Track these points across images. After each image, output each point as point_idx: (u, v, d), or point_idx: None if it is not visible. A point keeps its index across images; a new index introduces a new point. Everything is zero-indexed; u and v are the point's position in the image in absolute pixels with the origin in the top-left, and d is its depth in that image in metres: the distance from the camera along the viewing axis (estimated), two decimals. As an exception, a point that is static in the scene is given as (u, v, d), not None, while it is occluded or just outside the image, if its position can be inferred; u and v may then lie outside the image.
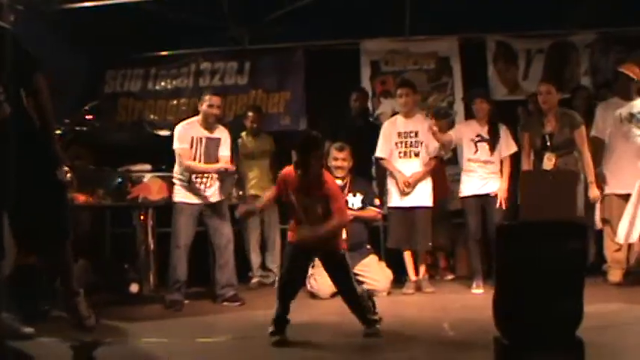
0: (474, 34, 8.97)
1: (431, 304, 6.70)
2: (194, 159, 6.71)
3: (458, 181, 7.60)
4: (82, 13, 8.01)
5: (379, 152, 7.46)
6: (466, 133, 7.36)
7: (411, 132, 7.34)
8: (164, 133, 8.05)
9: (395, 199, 7.34)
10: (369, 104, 8.87)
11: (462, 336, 5.15)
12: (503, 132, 7.29)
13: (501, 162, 7.26)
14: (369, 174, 8.06)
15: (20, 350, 4.63)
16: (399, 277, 7.36)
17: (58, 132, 5.48)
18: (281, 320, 5.04)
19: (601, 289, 6.63)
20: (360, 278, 7.18)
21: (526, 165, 7.10)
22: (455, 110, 8.81)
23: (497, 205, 7.14)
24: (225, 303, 6.75)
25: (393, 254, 7.59)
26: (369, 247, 7.45)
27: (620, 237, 6.59)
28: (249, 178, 7.97)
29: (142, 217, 7.51)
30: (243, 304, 6.72)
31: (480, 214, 7.25)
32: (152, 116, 9.25)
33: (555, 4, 8.32)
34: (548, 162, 6.80)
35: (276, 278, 7.58)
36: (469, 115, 7.77)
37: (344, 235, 5.70)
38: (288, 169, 5.12)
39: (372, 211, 7.41)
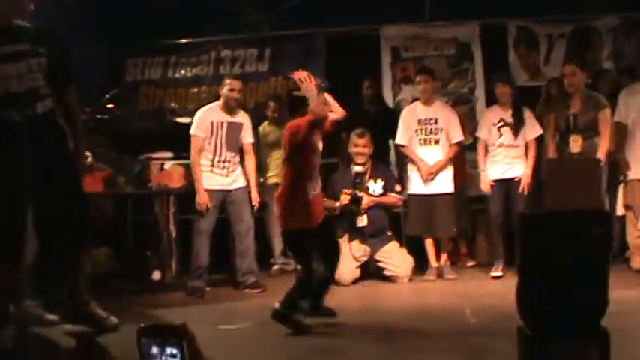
0: (494, 19, 8.90)
1: (452, 291, 6.69)
2: (215, 144, 6.72)
3: (476, 167, 7.56)
4: (102, 0, 8.03)
5: (399, 139, 7.44)
6: (489, 118, 7.33)
7: (431, 119, 7.31)
8: (185, 120, 8.09)
9: (415, 186, 7.33)
10: (390, 91, 8.85)
11: (484, 323, 5.15)
12: (528, 115, 7.24)
13: (526, 146, 7.22)
14: (385, 160, 8.03)
15: (44, 336, 4.69)
16: (421, 264, 7.35)
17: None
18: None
19: (623, 275, 6.58)
20: (382, 265, 7.22)
21: (551, 147, 7.02)
22: (476, 96, 8.76)
23: (520, 190, 7.11)
24: (246, 290, 6.78)
25: (414, 240, 7.58)
26: (390, 233, 7.44)
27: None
28: (271, 167, 7.97)
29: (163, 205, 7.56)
30: (265, 290, 6.74)
31: (503, 200, 7.22)
32: (173, 104, 9.27)
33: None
34: (574, 144, 6.69)
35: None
36: (490, 101, 7.73)
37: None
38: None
39: (392, 198, 7.40)
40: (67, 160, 4.61)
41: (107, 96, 7.98)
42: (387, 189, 7.37)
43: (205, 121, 6.77)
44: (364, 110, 8.01)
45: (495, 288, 6.69)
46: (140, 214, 8.39)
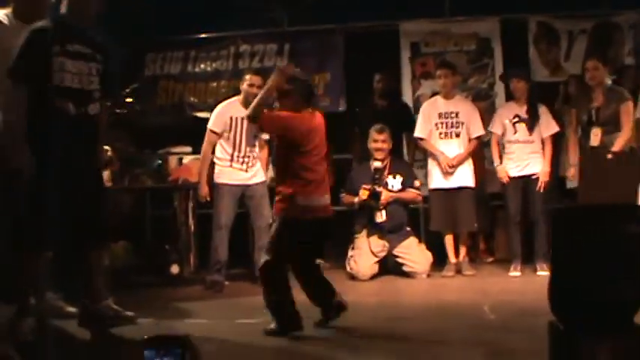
0: (515, 14, 8.86)
1: (471, 287, 6.68)
2: (234, 139, 6.73)
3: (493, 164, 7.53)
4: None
5: (418, 132, 7.44)
6: (505, 115, 7.31)
7: (451, 112, 7.31)
8: (204, 115, 8.10)
9: (436, 181, 7.32)
10: (409, 86, 8.83)
11: (503, 319, 5.13)
12: (543, 112, 7.22)
13: (543, 142, 7.19)
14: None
15: (64, 329, 4.71)
16: (439, 260, 7.34)
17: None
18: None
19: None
20: (400, 260, 7.21)
21: (572, 141, 6.98)
22: (495, 92, 8.71)
23: (538, 187, 7.09)
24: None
25: (432, 236, 7.58)
26: (408, 229, 7.44)
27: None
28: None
29: (182, 199, 7.59)
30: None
31: (520, 197, 7.19)
32: (192, 99, 9.27)
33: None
34: (594, 137, 6.66)
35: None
36: (510, 96, 7.70)
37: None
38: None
39: (411, 193, 7.38)
40: (97, 162, 4.89)
41: (127, 90, 8.01)
42: (405, 184, 7.36)
43: (224, 116, 6.78)
44: (373, 104, 7.99)
45: (514, 284, 6.68)
46: (159, 208, 8.43)
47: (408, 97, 8.75)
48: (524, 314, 5.18)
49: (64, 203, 4.42)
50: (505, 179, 7.21)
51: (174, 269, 7.18)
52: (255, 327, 4.95)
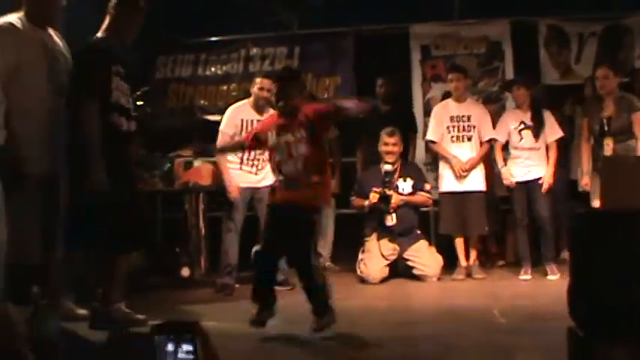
0: (525, 17, 8.85)
1: (481, 291, 6.66)
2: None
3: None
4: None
5: (430, 135, 7.45)
6: (510, 122, 7.30)
7: (463, 116, 7.31)
8: (214, 118, 8.11)
9: (447, 184, 7.32)
10: (420, 89, 8.83)
11: (513, 323, 5.11)
12: (547, 118, 7.21)
13: (547, 148, 7.18)
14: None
15: (74, 331, 4.72)
16: (449, 263, 7.33)
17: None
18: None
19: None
20: (410, 264, 7.21)
21: (585, 150, 6.95)
22: (506, 95, 8.70)
23: (542, 190, 7.08)
24: (275, 287, 6.77)
25: (443, 239, 7.57)
26: (419, 232, 7.43)
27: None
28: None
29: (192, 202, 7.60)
30: (293, 288, 6.72)
31: (526, 201, 7.20)
32: (202, 102, 9.31)
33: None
34: (607, 147, 6.65)
35: (325, 264, 7.63)
36: (519, 100, 7.69)
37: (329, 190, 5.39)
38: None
39: (422, 197, 7.38)
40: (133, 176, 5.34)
41: (137, 93, 8.02)
42: (416, 188, 7.36)
43: (235, 118, 6.79)
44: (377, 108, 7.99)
45: (524, 288, 6.67)
46: (170, 211, 8.44)
47: (418, 100, 8.77)
48: (534, 318, 5.17)
49: (118, 209, 4.69)
50: (509, 182, 7.20)
51: (185, 272, 7.19)
52: (265, 330, 4.94)
